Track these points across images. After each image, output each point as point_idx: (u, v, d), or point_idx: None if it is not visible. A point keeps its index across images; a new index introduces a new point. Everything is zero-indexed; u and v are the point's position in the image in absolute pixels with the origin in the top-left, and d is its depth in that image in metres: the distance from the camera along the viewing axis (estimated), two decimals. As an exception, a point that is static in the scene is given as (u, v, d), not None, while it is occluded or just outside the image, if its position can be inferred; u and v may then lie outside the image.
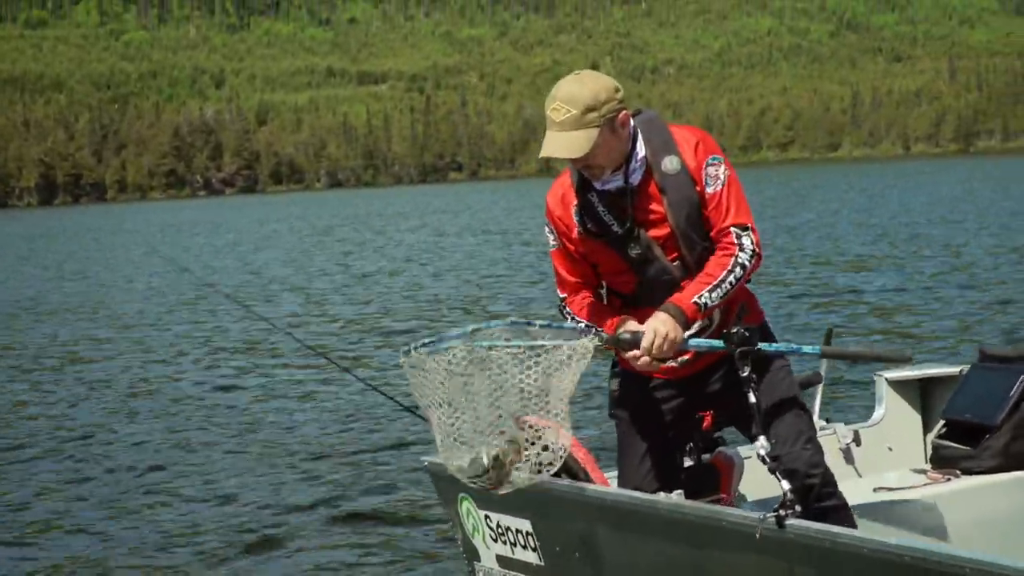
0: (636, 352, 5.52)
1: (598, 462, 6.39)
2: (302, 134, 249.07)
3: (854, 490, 6.77)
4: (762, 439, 5.43)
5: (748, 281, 5.72)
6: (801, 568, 4.97)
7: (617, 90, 5.54)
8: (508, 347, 5.25)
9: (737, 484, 6.46)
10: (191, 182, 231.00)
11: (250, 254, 48.40)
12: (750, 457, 6.25)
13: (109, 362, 19.86)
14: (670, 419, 5.92)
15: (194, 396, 16.15)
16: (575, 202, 5.73)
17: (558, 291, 5.94)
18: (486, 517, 6.23)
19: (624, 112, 5.55)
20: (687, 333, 5.54)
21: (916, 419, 7.83)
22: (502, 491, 5.31)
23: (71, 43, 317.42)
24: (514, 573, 6.24)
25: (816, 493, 5.62)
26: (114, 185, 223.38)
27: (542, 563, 6.04)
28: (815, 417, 7.38)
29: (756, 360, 5.55)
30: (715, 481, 6.33)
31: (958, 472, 7.20)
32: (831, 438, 7.40)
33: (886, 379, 7.76)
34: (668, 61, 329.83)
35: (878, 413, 7.76)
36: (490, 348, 5.25)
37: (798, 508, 5.12)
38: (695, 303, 5.51)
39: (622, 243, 5.66)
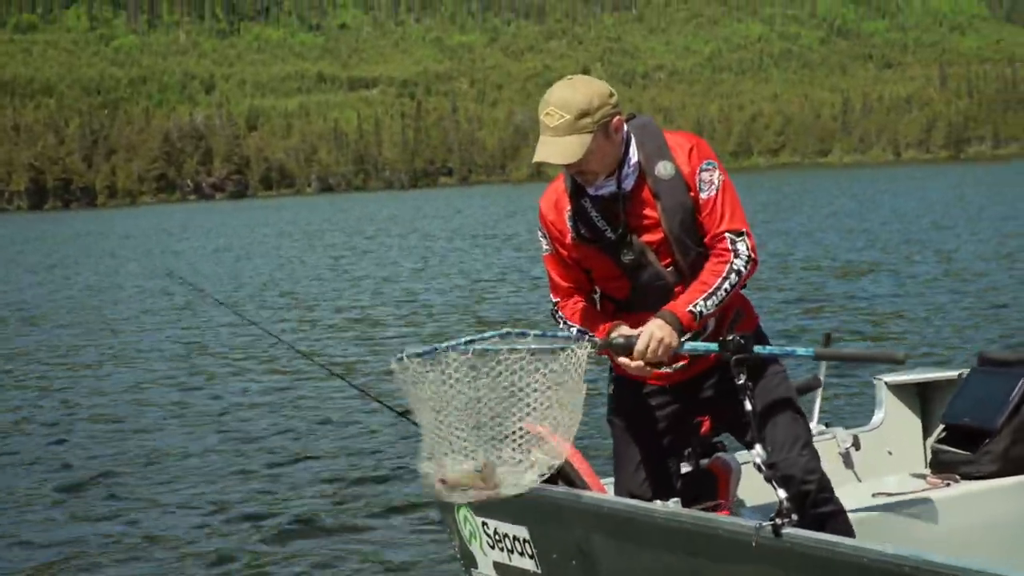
0: (628, 360, 5.50)
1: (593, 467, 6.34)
2: (292, 139, 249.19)
3: (853, 495, 6.75)
4: (758, 447, 5.40)
5: (744, 287, 5.68)
6: None
7: (611, 95, 5.51)
8: (502, 355, 5.21)
9: (735, 490, 6.41)
10: (181, 187, 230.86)
11: (241, 259, 48.31)
12: (748, 463, 6.20)
13: (98, 367, 19.82)
14: (666, 425, 5.88)
15: (183, 402, 16.10)
16: (568, 207, 5.70)
17: (551, 296, 5.91)
18: (483, 524, 6.19)
19: (618, 117, 5.52)
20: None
21: (916, 423, 7.78)
22: (487, 497, 5.29)
23: (61, 48, 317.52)
24: (511, 580, 6.20)
25: (812, 499, 5.60)
26: (104, 190, 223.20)
27: (539, 570, 6.00)
28: (814, 421, 7.40)
29: (752, 366, 5.52)
30: (713, 487, 6.29)
31: (957, 477, 7.14)
32: (830, 443, 7.35)
33: (886, 383, 7.72)
34: (659, 67, 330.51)
35: (878, 417, 7.71)
36: (483, 354, 5.21)
37: (795, 516, 5.07)
38: (690, 311, 5.47)
39: (615, 249, 5.62)
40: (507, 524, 6.05)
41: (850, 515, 5.98)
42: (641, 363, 5.48)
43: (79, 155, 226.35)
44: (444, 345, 5.29)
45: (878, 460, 7.56)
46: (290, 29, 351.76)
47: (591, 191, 5.62)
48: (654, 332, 5.42)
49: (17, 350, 22.60)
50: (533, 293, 27.13)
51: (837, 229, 45.59)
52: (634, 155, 5.58)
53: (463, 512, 6.29)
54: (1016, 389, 7.15)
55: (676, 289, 5.62)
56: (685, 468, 6.21)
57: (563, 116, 5.40)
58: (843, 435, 7.47)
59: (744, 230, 5.59)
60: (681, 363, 5.72)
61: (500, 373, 5.19)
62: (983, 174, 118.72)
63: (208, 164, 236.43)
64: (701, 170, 5.57)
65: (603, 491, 6.08)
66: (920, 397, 7.82)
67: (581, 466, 6.10)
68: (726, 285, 5.52)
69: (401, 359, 5.30)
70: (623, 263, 5.63)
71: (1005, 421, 7.11)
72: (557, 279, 5.84)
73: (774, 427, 5.65)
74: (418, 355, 5.29)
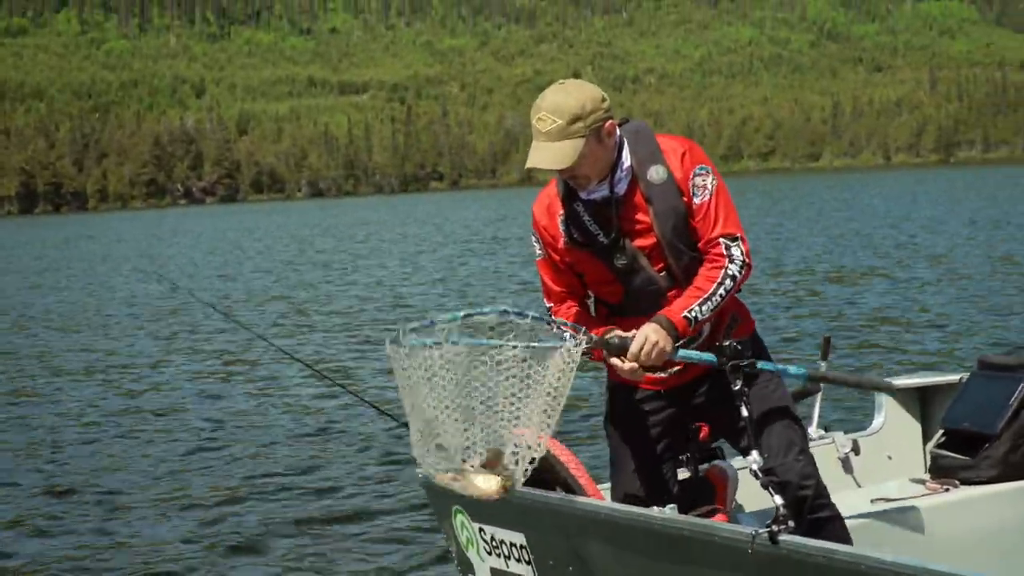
0: (621, 361, 5.50)
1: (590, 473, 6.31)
2: (283, 144, 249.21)
3: (852, 500, 6.76)
4: (754, 454, 5.44)
5: (739, 291, 5.68)
6: None
7: (603, 99, 5.52)
8: (495, 345, 5.20)
9: (733, 497, 6.39)
10: (172, 191, 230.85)
11: (233, 263, 48.27)
12: (744, 469, 6.17)
13: (90, 373, 19.76)
14: (661, 430, 5.87)
15: (178, 408, 16.03)
16: (561, 212, 5.70)
17: (544, 301, 5.92)
18: (480, 530, 6.17)
19: (610, 122, 5.52)
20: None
21: (916, 428, 7.75)
22: (473, 492, 5.28)
23: (51, 52, 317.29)
24: (508, 586, 6.20)
25: (809, 505, 5.58)
26: (95, 194, 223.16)
27: None
28: (813, 426, 7.40)
29: (748, 372, 5.54)
30: (711, 495, 6.27)
31: (957, 482, 7.12)
32: (829, 447, 7.34)
33: None
34: (649, 71, 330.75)
35: (877, 422, 7.69)
36: (476, 345, 5.21)
37: (791, 523, 5.12)
38: (686, 317, 5.48)
39: (608, 253, 5.63)
40: (504, 530, 6.02)
41: (849, 520, 5.98)
42: (634, 365, 5.48)
43: (70, 159, 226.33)
44: (441, 317, 5.31)
45: (877, 465, 7.54)
46: (281, 33, 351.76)
47: (584, 195, 5.62)
48: (649, 335, 5.43)
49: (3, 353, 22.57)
50: (522, 298, 27.09)
51: (829, 233, 45.60)
52: (627, 159, 5.58)
53: (460, 518, 6.26)
54: (1016, 394, 7.11)
55: (669, 294, 5.63)
56: (683, 474, 6.19)
57: (555, 121, 5.41)
58: (842, 440, 7.45)
59: (739, 235, 5.61)
60: (676, 368, 5.72)
61: (492, 362, 5.18)
62: (973, 178, 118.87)
63: (199, 168, 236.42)
64: (694, 175, 5.58)
65: (600, 497, 6.07)
66: (920, 401, 7.79)
67: (578, 472, 6.09)
68: (721, 290, 5.53)
69: (396, 338, 5.31)
70: (616, 267, 5.64)
71: (1005, 426, 7.07)
72: (550, 284, 5.84)
73: (770, 433, 5.64)
74: (414, 330, 5.30)
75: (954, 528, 6.72)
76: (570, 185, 5.63)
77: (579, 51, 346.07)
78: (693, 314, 5.47)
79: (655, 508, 5.67)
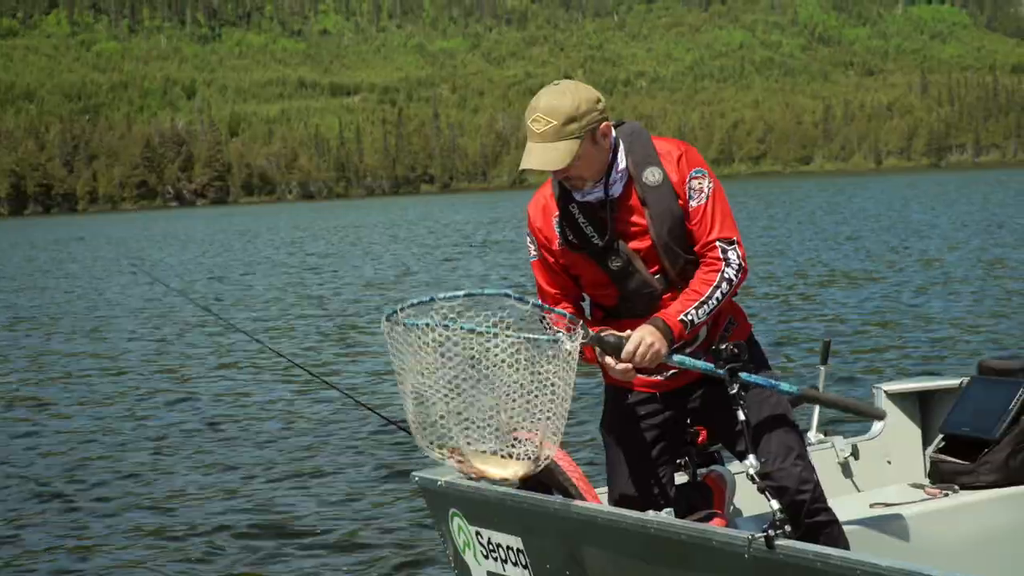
0: (615, 360, 5.49)
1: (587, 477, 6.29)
2: (274, 146, 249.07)
3: (852, 505, 6.73)
4: (751, 457, 5.43)
5: (735, 295, 5.67)
6: None
7: (599, 101, 5.50)
8: (491, 332, 5.25)
9: (731, 502, 6.40)
10: (162, 193, 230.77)
11: (225, 266, 48.26)
12: (742, 473, 6.14)
13: (83, 377, 19.70)
14: (657, 434, 5.86)
15: (170, 410, 16.01)
16: (556, 213, 5.69)
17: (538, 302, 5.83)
18: (477, 533, 6.16)
19: (606, 123, 5.51)
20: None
21: (916, 432, 7.73)
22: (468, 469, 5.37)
23: (41, 53, 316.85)
24: (505, 590, 6.21)
25: (807, 510, 5.58)
26: (85, 196, 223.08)
27: None
28: (813, 430, 7.38)
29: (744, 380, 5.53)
30: (708, 500, 6.27)
31: (956, 487, 7.08)
32: (829, 451, 7.33)
33: (885, 392, 7.67)
34: (640, 74, 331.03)
35: (877, 426, 7.66)
36: (473, 332, 5.25)
37: (788, 528, 5.10)
38: (682, 320, 5.47)
39: (602, 255, 5.61)
40: (501, 534, 6.01)
41: (848, 525, 5.98)
42: (627, 366, 5.48)
43: (60, 161, 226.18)
44: (442, 295, 5.33)
45: (877, 469, 7.52)
46: (271, 35, 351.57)
47: (578, 197, 5.61)
48: (645, 337, 5.43)
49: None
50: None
51: (822, 237, 45.66)
52: (622, 161, 5.57)
53: (457, 521, 6.25)
54: (1016, 398, 7.08)
55: (664, 297, 5.62)
56: (681, 478, 6.20)
57: (550, 122, 5.39)
58: (842, 444, 7.44)
59: (735, 238, 5.61)
60: (672, 371, 5.71)
61: (490, 350, 5.25)
62: (965, 181, 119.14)
63: (189, 170, 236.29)
64: (691, 178, 5.57)
65: (597, 501, 6.06)
66: (920, 406, 7.77)
67: (575, 475, 6.07)
68: (717, 294, 5.53)
69: (394, 313, 5.34)
70: (610, 270, 5.63)
71: (1004, 431, 7.05)
72: (544, 285, 5.83)
73: (768, 438, 5.64)
74: (413, 306, 5.33)
75: (953, 533, 6.71)
76: (565, 186, 5.61)
77: (570, 54, 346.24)
78: (689, 317, 5.47)
79: (651, 512, 5.67)
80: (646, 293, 5.62)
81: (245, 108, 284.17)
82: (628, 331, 5.50)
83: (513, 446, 5.35)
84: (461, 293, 5.33)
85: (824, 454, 7.19)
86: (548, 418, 5.33)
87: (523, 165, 5.49)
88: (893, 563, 4.58)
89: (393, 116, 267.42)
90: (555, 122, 5.37)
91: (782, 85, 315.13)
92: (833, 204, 78.59)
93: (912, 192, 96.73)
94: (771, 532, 4.90)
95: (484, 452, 5.38)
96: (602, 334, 5.52)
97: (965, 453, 7.12)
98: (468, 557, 6.31)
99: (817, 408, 7.49)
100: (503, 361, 5.25)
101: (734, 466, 6.38)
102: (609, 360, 5.50)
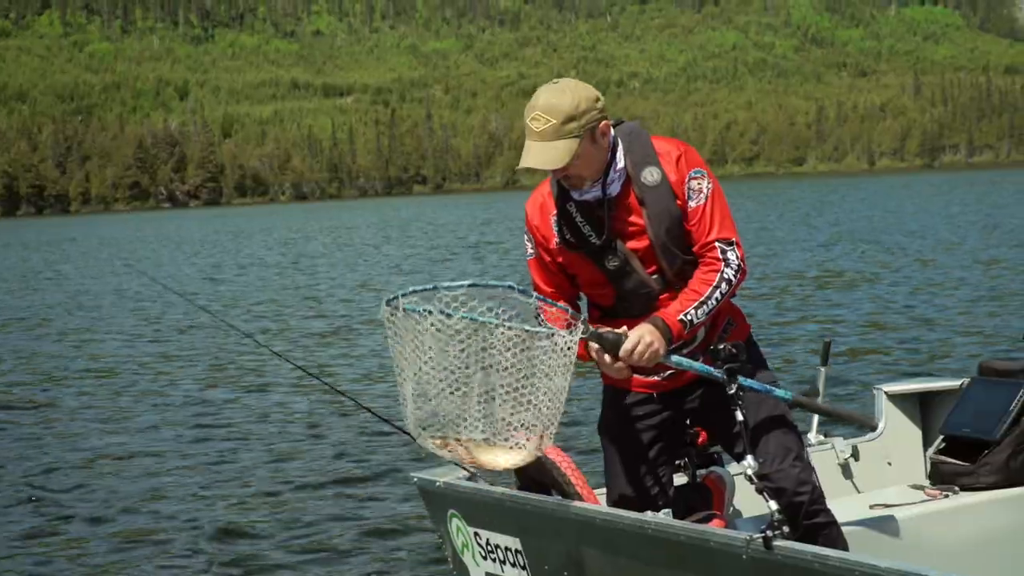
0: (612, 358, 5.46)
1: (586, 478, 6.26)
2: (267, 147, 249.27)
3: (852, 506, 6.72)
4: (749, 458, 5.43)
5: (733, 296, 5.66)
6: None
7: (598, 99, 5.48)
8: (490, 323, 5.25)
9: (730, 503, 6.40)
10: (155, 194, 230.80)
11: (219, 267, 48.24)
12: (740, 474, 6.13)
13: (74, 376, 19.67)
14: (655, 434, 5.84)
15: (167, 411, 15.96)
16: (554, 212, 5.68)
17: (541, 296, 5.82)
18: (475, 534, 6.17)
19: (605, 122, 5.49)
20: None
21: (916, 433, 7.72)
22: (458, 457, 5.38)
23: (34, 54, 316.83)
24: (503, 591, 6.21)
25: (805, 511, 5.57)
26: (78, 197, 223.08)
27: None
28: (813, 431, 7.37)
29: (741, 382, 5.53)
30: (708, 501, 6.27)
31: (957, 488, 7.07)
32: (829, 453, 7.34)
33: (885, 393, 7.68)
34: (633, 75, 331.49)
35: (877, 427, 7.62)
36: (473, 321, 5.26)
37: (786, 529, 5.11)
38: (681, 320, 5.46)
39: (599, 255, 5.60)
40: (499, 535, 6.02)
41: (848, 527, 5.97)
42: (623, 364, 5.46)
43: (52, 162, 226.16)
44: (445, 284, 5.32)
45: (877, 471, 7.52)
46: (265, 36, 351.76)
47: (576, 196, 5.59)
48: (643, 336, 5.41)
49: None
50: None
51: (818, 238, 45.69)
52: (620, 161, 5.55)
53: (456, 522, 6.26)
54: (1016, 399, 7.07)
55: (661, 297, 5.61)
56: (680, 479, 6.20)
57: (549, 121, 5.37)
58: (842, 445, 7.44)
59: (734, 239, 5.61)
60: (670, 371, 5.69)
61: (489, 340, 5.26)
62: (957, 182, 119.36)
63: (182, 171, 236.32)
64: (690, 178, 5.56)
65: (596, 501, 6.06)
66: (920, 407, 7.77)
67: (573, 476, 6.07)
68: (716, 295, 5.51)
69: (394, 299, 5.33)
70: (607, 269, 5.61)
71: (1005, 432, 7.04)
72: (540, 284, 5.81)
73: (766, 439, 5.63)
74: (416, 291, 5.33)
75: (954, 535, 6.70)
76: (563, 185, 5.59)
77: (563, 55, 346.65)
78: (689, 317, 5.45)
79: (649, 512, 5.67)
80: (643, 293, 5.60)
81: (238, 109, 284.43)
82: (624, 327, 5.48)
83: (510, 436, 5.33)
84: (465, 283, 5.31)
85: (824, 455, 7.18)
86: (545, 409, 5.31)
87: (522, 164, 5.47)
88: (892, 564, 4.58)
89: (386, 117, 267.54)
90: (554, 121, 5.35)
91: (775, 86, 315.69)
92: (826, 204, 78.67)
93: (906, 192, 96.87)
94: (769, 533, 4.90)
95: (480, 442, 5.36)
96: (601, 331, 5.49)
97: (965, 454, 7.11)
98: (467, 558, 6.31)
99: (817, 408, 7.48)
100: (502, 351, 5.25)
101: (733, 467, 6.36)
102: (606, 358, 5.48)
